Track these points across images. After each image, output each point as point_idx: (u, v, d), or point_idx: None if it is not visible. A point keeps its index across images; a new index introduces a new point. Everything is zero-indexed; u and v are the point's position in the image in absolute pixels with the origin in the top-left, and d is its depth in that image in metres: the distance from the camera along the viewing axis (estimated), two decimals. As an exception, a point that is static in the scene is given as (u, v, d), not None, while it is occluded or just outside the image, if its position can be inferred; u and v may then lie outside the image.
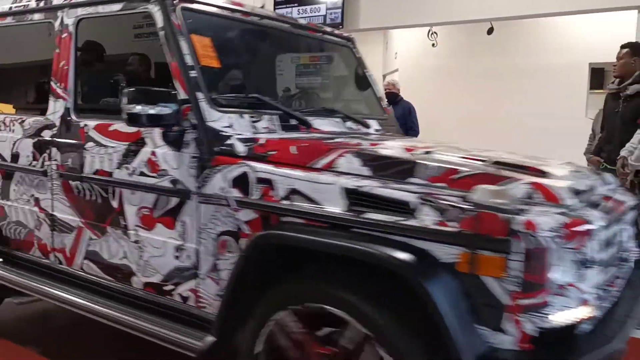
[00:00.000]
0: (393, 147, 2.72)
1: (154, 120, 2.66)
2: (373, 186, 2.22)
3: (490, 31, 8.83)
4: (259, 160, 2.55)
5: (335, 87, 3.97)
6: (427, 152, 2.64)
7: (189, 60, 2.81)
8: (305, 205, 2.34)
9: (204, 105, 2.74)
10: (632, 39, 6.03)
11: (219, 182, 2.60)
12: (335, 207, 2.27)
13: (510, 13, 7.83)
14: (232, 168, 2.57)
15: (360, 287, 2.17)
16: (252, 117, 2.89)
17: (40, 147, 3.41)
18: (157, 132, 2.83)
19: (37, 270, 3.52)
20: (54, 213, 3.37)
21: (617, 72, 5.16)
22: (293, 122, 3.09)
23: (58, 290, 3.31)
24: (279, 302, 2.35)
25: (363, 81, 4.05)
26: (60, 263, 3.38)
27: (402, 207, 2.14)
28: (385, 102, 4.11)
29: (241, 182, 2.54)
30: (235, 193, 2.55)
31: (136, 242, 2.95)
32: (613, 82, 5.26)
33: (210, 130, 2.70)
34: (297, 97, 3.64)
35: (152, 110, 2.64)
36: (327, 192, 2.31)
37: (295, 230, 2.34)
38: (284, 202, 2.41)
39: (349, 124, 3.44)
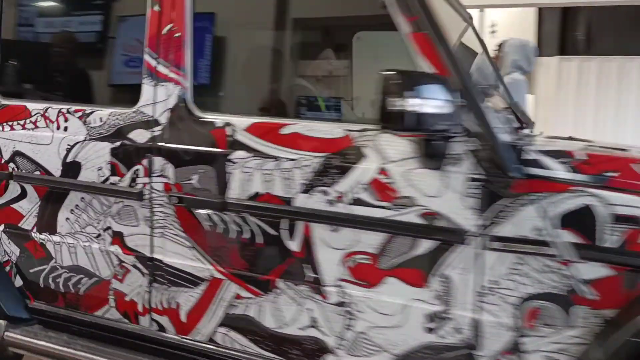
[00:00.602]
0: None
1: (427, 124, 1.70)
2: None
3: None
4: (601, 188, 1.69)
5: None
6: None
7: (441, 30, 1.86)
8: None
9: (482, 100, 1.82)
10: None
11: (532, 219, 1.70)
12: None
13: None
14: (561, 198, 1.68)
15: None
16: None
17: (128, 156, 2.23)
18: (386, 138, 1.86)
19: (111, 339, 2.35)
20: (156, 256, 2.21)
21: None
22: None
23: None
24: None
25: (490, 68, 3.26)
26: (162, 330, 2.25)
27: None
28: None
29: (580, 219, 1.66)
30: (568, 237, 1.67)
31: (340, 304, 1.95)
32: None
33: (502, 140, 1.78)
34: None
35: (430, 108, 1.67)
36: None
37: None
38: (676, 253, 1.58)
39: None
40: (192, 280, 2.16)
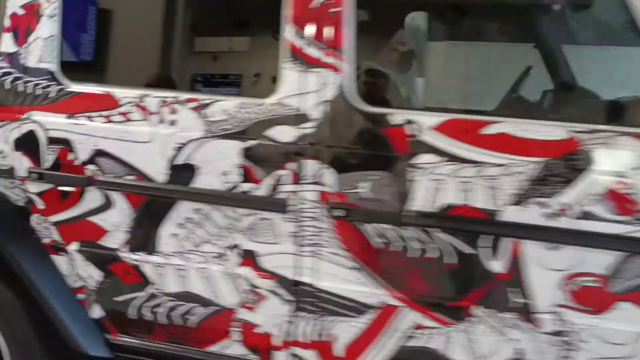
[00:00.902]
0: None
1: None
2: None
3: None
4: None
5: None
6: None
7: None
8: None
9: None
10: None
11: None
12: None
13: None
14: None
15: None
16: None
17: (267, 158, 1.81)
18: (625, 141, 1.59)
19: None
20: (304, 279, 1.82)
21: None
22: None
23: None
24: None
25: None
26: (305, 366, 1.88)
27: None
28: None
29: None
30: None
31: (557, 333, 1.67)
32: None
33: None
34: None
35: None
36: None
37: None
38: None
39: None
40: (355, 307, 1.80)
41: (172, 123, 1.88)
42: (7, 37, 2.02)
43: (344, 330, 1.82)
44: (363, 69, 3.66)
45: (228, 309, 1.90)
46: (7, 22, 2.02)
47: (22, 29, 2.00)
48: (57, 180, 1.97)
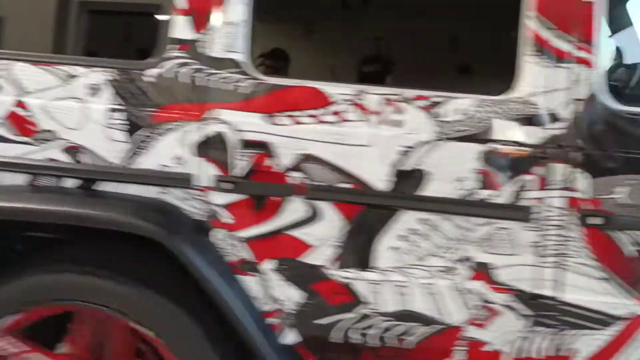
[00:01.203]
0: None
1: None
2: None
3: None
4: None
5: None
6: None
7: None
8: None
9: None
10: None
11: None
12: None
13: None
14: None
15: None
16: None
17: (510, 162, 1.64)
18: None
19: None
20: (545, 292, 1.67)
21: None
22: None
23: None
24: None
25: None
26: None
27: None
28: None
29: None
30: None
31: None
32: None
33: None
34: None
35: None
36: None
37: None
38: None
39: None
40: (600, 319, 1.68)
41: (397, 124, 1.66)
42: (183, 21, 1.70)
43: (586, 344, 1.71)
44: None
45: (453, 326, 1.73)
46: (182, 3, 1.70)
47: (202, 11, 1.69)
48: (254, 190, 1.69)
